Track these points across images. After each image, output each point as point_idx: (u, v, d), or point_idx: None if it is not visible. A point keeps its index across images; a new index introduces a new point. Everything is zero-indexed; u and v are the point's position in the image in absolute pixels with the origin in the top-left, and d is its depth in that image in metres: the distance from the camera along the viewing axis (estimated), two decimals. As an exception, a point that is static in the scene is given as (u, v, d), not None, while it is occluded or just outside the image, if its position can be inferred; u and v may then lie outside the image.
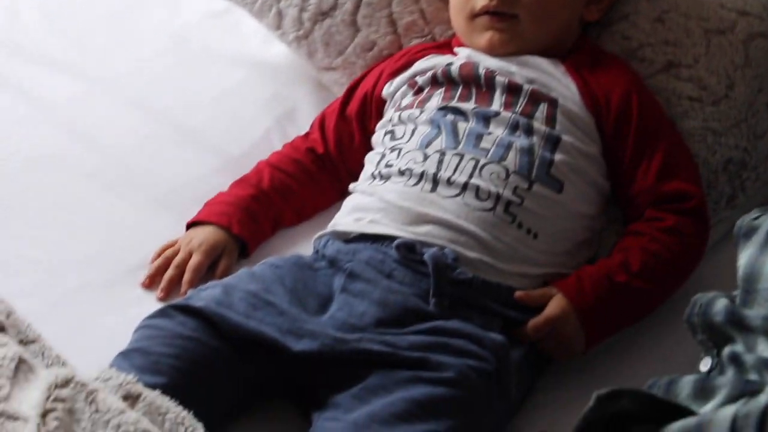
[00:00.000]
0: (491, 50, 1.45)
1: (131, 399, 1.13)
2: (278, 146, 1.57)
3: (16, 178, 1.52)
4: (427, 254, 1.28)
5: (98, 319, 1.36)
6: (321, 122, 1.54)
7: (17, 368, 1.17)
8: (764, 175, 1.53)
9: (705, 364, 1.15)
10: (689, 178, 1.42)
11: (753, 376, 1.03)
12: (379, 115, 1.50)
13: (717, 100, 1.49)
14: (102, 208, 1.50)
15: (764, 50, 1.54)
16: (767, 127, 1.53)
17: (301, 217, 1.51)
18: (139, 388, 1.13)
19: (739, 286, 1.11)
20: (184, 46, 1.73)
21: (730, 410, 0.93)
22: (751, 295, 1.07)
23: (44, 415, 1.10)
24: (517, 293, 1.31)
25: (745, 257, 1.12)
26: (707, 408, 1.00)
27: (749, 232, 1.16)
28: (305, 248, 1.44)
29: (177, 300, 1.29)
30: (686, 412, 0.99)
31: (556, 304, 1.31)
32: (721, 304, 1.10)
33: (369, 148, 1.49)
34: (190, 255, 1.41)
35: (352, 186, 1.44)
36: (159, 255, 1.42)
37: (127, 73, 1.68)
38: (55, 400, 1.11)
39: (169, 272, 1.40)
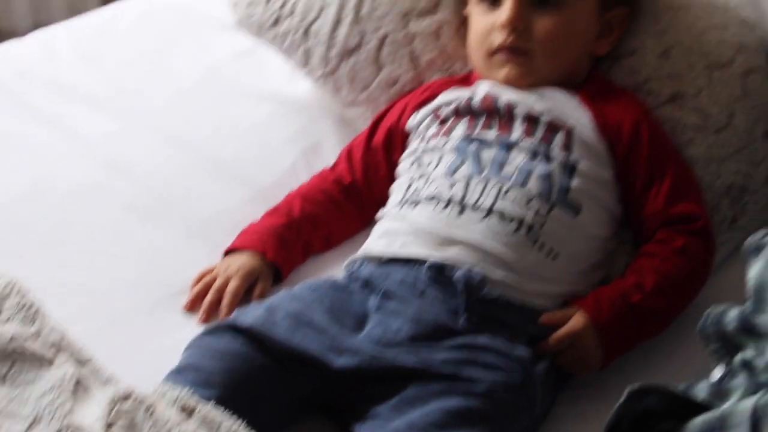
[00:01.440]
0: (509, 83, 1.54)
1: (187, 411, 1.21)
2: (305, 178, 1.65)
3: (58, 210, 1.59)
4: (457, 275, 1.36)
5: (144, 341, 1.42)
6: (348, 154, 1.63)
7: (76, 386, 1.26)
8: (763, 199, 1.61)
9: (717, 373, 1.23)
10: (696, 200, 1.51)
11: (765, 377, 1.11)
12: (404, 147, 1.59)
13: (719, 129, 1.58)
14: (141, 238, 1.57)
15: (760, 83, 1.63)
16: (765, 154, 1.62)
17: (330, 244, 1.59)
18: (194, 401, 1.21)
19: (749, 297, 1.19)
20: (214, 83, 1.80)
21: (750, 401, 1.01)
22: (761, 303, 1.15)
23: (108, 426, 1.18)
24: (542, 317, 1.39)
25: (754, 270, 1.20)
26: (725, 406, 1.08)
27: (757, 249, 1.25)
28: (334, 273, 1.51)
29: (225, 319, 1.36)
30: (707, 410, 1.07)
31: (576, 320, 1.39)
32: (733, 313, 1.19)
33: (393, 179, 1.57)
34: (228, 280, 1.48)
35: (380, 213, 1.52)
36: (198, 281, 1.50)
37: (161, 109, 1.75)
38: (118, 412, 1.19)
39: (209, 297, 1.47)
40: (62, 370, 1.25)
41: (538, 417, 1.36)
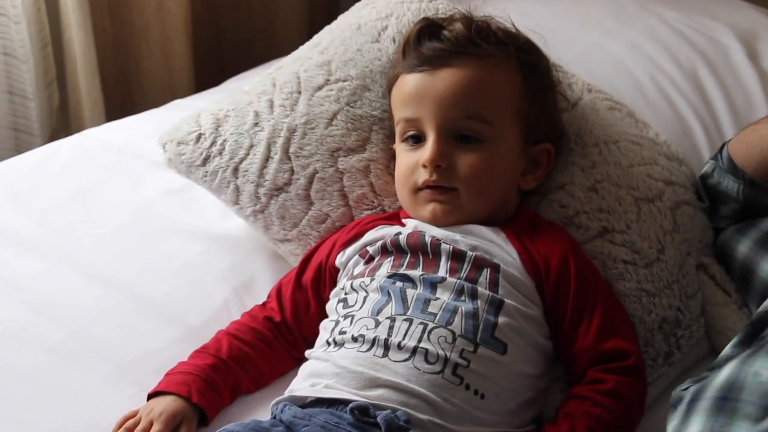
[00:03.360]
0: (435, 221, 1.54)
1: None
2: (236, 315, 1.63)
3: (-20, 356, 1.56)
4: (380, 416, 1.33)
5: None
6: (278, 291, 1.61)
7: None
8: (697, 332, 1.60)
9: None
10: (627, 336, 1.49)
11: None
12: (333, 284, 1.57)
13: (649, 263, 1.58)
14: (64, 381, 1.53)
15: (690, 216, 1.64)
16: (697, 288, 1.62)
17: (259, 384, 1.56)
18: None
19: None
20: (146, 221, 1.79)
21: None
22: None
23: None
24: None
25: (670, 429, 1.19)
26: None
27: (676, 403, 1.23)
28: (263, 414, 1.48)
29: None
30: None
31: None
32: None
33: (324, 315, 1.55)
34: (150, 424, 1.44)
35: (308, 353, 1.50)
36: (120, 426, 1.45)
37: (91, 249, 1.73)
38: None
39: (131, 442, 1.44)
40: None
41: None
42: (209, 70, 2.61)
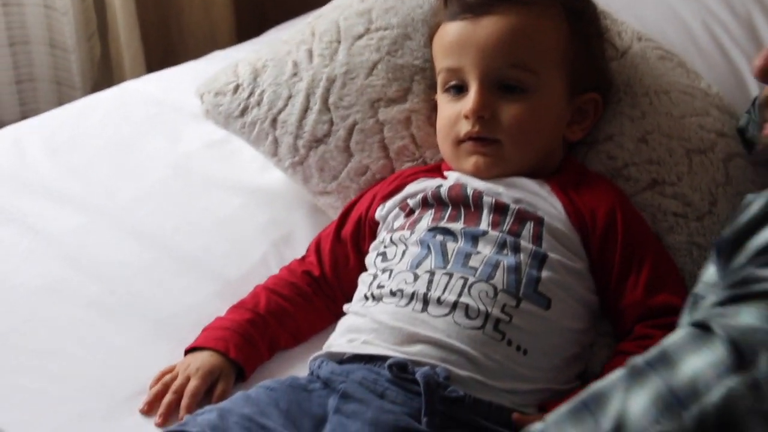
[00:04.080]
0: (478, 173, 1.50)
1: None
2: (275, 270, 1.60)
3: (18, 310, 1.54)
4: (419, 373, 1.30)
5: (96, 448, 1.37)
6: (317, 245, 1.58)
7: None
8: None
9: None
10: (676, 291, 1.44)
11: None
12: (373, 237, 1.54)
13: (701, 216, 1.53)
14: (102, 337, 1.51)
15: (742, 169, 1.58)
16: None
17: (298, 339, 1.53)
18: None
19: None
20: (184, 175, 1.77)
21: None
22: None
23: None
24: (515, 415, 1.32)
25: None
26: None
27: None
28: (302, 370, 1.46)
29: (174, 426, 1.30)
30: None
31: None
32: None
33: (363, 268, 1.52)
34: (187, 380, 1.42)
35: (346, 307, 1.47)
36: (157, 381, 1.44)
37: (129, 203, 1.71)
38: None
39: (167, 397, 1.41)
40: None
41: None
42: (250, 21, 2.57)
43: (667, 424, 0.93)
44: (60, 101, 2.37)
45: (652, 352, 0.99)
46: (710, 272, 1.12)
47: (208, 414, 1.29)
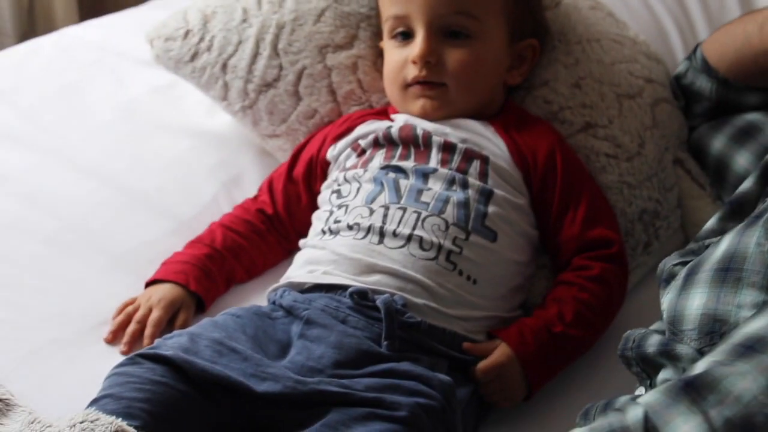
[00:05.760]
0: (425, 116, 1.58)
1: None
2: (226, 209, 1.66)
3: (-24, 246, 1.58)
4: (380, 300, 1.38)
5: (65, 373, 1.42)
6: (269, 185, 1.64)
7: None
8: (674, 223, 1.67)
9: (639, 392, 1.27)
10: (611, 226, 1.55)
11: None
12: (324, 177, 1.61)
13: (630, 157, 1.63)
14: (62, 271, 1.56)
15: (668, 113, 1.70)
16: (675, 181, 1.68)
17: (251, 274, 1.60)
18: (126, 427, 1.20)
19: (666, 328, 1.23)
20: (132, 118, 1.81)
21: (639, 409, 1.04)
22: (678, 335, 1.19)
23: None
24: (465, 344, 1.42)
25: (666, 302, 1.24)
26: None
27: (669, 278, 1.28)
28: (256, 302, 1.53)
29: (145, 348, 1.36)
30: None
31: (501, 352, 1.42)
32: (654, 338, 1.22)
33: (315, 208, 1.59)
34: (150, 311, 1.49)
35: (302, 242, 1.54)
36: (120, 312, 1.50)
37: (80, 144, 1.75)
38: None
39: (131, 327, 1.48)
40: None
41: (460, 441, 1.37)
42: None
43: None
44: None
45: None
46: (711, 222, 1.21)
47: (178, 338, 1.35)
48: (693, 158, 1.72)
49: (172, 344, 1.34)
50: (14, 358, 1.42)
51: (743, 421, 0.98)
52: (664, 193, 1.65)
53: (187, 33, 1.74)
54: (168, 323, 1.50)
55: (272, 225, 1.62)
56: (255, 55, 1.70)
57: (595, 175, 1.61)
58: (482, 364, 1.40)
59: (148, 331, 1.47)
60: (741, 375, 1.00)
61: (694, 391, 1.01)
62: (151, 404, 1.26)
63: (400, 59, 1.58)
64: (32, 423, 1.23)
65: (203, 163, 1.75)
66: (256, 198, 1.65)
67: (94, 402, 1.27)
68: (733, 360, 1.03)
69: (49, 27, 2.36)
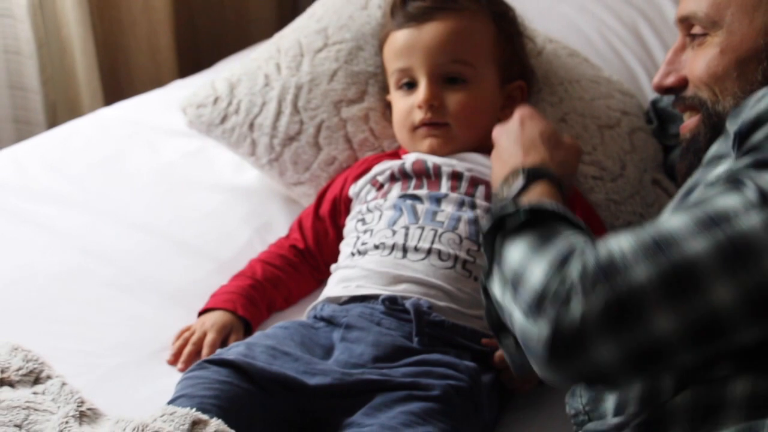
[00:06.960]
0: (432, 152, 1.80)
1: (200, 424, 1.39)
2: (261, 251, 1.87)
3: (45, 292, 1.77)
4: (408, 303, 1.59)
5: (136, 389, 1.61)
6: (299, 224, 1.86)
7: (80, 418, 1.45)
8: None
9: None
10: (601, 235, 1.76)
11: None
12: (347, 212, 1.83)
13: (614, 178, 1.86)
14: (121, 308, 1.76)
15: (644, 140, 1.93)
16: (654, 198, 1.91)
17: (289, 302, 1.81)
18: (203, 416, 1.40)
19: None
20: (169, 180, 2.02)
21: None
22: None
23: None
24: (484, 340, 1.61)
25: None
26: None
27: None
28: (296, 326, 1.73)
29: (210, 356, 1.56)
30: None
31: None
32: None
33: (341, 240, 1.80)
34: (204, 334, 1.69)
35: (333, 267, 1.75)
36: (178, 337, 1.70)
37: (125, 203, 1.96)
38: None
39: (188, 348, 1.67)
40: (65, 410, 1.44)
41: (486, 421, 1.56)
42: (188, 63, 2.84)
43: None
44: (18, 138, 2.58)
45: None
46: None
47: (237, 347, 1.56)
48: (668, 178, 1.95)
49: (233, 352, 1.54)
50: (90, 380, 1.60)
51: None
52: (647, 208, 1.87)
53: (216, 99, 1.97)
54: (222, 345, 1.68)
55: (304, 258, 1.83)
56: (278, 113, 1.93)
57: (584, 194, 1.84)
58: (499, 353, 1.60)
59: (204, 351, 1.66)
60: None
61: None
62: (220, 400, 1.46)
63: (407, 106, 1.82)
64: (117, 422, 1.42)
65: (236, 213, 1.97)
66: (288, 236, 1.86)
67: (170, 402, 1.47)
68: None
69: (76, 116, 2.59)
